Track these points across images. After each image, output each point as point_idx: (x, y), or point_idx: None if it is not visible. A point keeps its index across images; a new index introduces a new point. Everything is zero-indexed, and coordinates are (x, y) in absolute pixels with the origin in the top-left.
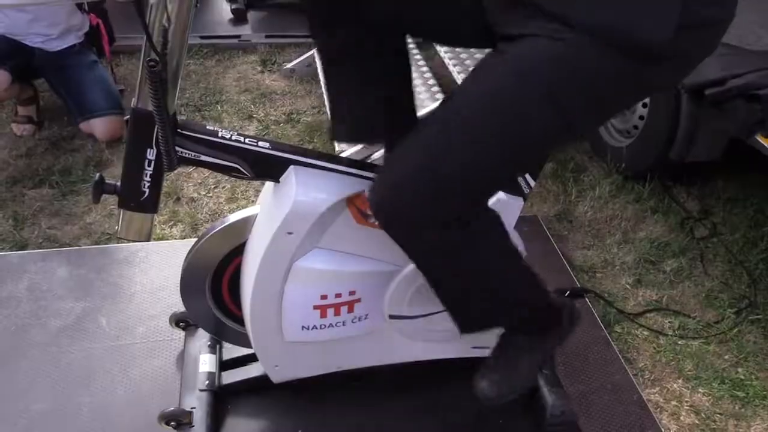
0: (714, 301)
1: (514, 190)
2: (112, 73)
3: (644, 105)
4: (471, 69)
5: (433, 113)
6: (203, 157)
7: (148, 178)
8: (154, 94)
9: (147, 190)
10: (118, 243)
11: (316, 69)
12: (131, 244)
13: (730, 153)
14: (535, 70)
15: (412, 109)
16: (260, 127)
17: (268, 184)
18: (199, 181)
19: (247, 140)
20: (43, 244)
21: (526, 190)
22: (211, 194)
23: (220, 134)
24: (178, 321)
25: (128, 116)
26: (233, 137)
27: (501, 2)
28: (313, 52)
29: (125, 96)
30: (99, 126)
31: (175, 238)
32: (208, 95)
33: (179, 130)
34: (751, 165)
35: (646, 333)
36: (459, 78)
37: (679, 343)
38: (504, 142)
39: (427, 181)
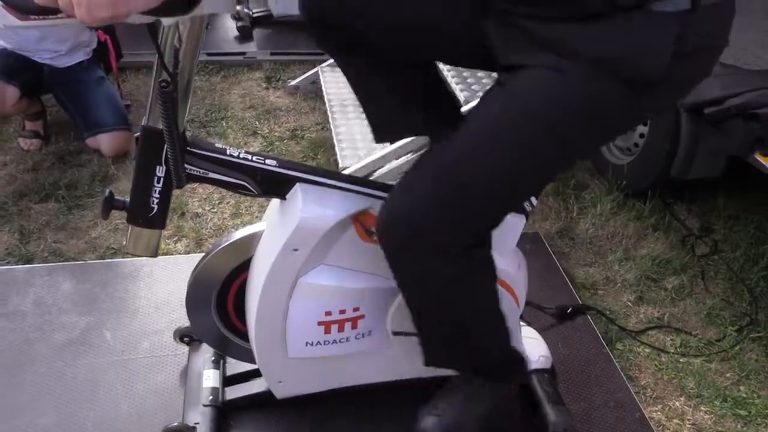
0: (715, 319)
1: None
2: (119, 89)
3: (645, 123)
4: (478, 96)
5: (443, 143)
6: (211, 175)
7: (156, 195)
8: (164, 113)
9: (155, 207)
10: (123, 258)
11: (320, 86)
12: (136, 259)
13: (731, 171)
14: (536, 105)
15: (446, 93)
16: (265, 144)
17: (274, 201)
18: (204, 196)
19: (254, 158)
20: (48, 258)
21: (529, 209)
22: (215, 210)
23: (228, 152)
24: (182, 336)
25: (138, 134)
26: (241, 155)
27: (499, 27)
28: (317, 69)
29: (131, 111)
30: (105, 141)
31: (180, 254)
32: (213, 111)
33: (188, 148)
34: (752, 183)
35: (647, 350)
36: (461, 96)
37: (681, 360)
38: (508, 176)
39: (436, 208)
